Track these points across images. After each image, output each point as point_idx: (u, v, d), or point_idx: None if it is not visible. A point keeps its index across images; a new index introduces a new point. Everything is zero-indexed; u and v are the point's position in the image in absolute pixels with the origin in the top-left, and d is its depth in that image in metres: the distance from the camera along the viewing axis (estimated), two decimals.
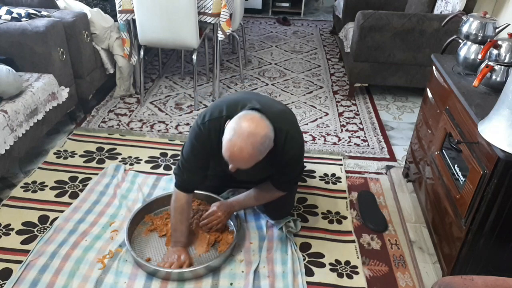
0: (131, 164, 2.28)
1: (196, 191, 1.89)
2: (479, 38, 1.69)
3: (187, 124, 2.73)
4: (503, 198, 1.27)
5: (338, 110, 2.96)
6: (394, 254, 1.77)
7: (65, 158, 2.30)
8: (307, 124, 2.77)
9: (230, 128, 1.39)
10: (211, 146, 1.56)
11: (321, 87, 3.31)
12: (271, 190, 1.72)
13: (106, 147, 2.42)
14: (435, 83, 1.84)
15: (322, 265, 1.70)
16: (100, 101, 2.97)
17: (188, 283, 1.59)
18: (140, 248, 1.73)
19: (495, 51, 1.51)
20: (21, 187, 2.07)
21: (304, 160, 2.30)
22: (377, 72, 2.94)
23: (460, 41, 1.77)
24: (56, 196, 2.02)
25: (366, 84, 3.11)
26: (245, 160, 1.38)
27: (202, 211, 1.83)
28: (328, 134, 2.66)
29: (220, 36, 2.77)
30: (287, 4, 5.29)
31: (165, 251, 1.71)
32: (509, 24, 1.77)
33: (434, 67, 1.87)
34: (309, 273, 1.66)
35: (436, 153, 1.71)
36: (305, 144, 2.49)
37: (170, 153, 2.38)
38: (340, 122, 2.81)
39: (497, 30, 1.71)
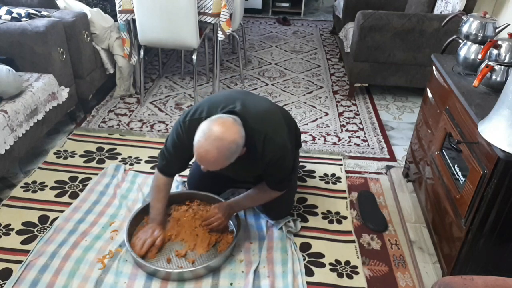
0: (131, 164, 2.28)
1: (196, 191, 1.91)
2: (479, 38, 1.68)
3: None
4: (503, 198, 1.27)
5: (338, 110, 2.97)
6: (394, 254, 1.77)
7: (65, 158, 2.30)
8: (307, 124, 2.77)
9: (200, 130, 1.42)
10: (190, 145, 1.57)
11: (321, 87, 3.31)
12: (268, 191, 1.72)
13: (106, 147, 2.42)
14: (435, 83, 1.84)
15: (322, 265, 1.70)
16: (100, 101, 2.97)
17: (188, 283, 1.59)
18: None
19: (495, 51, 1.51)
20: (21, 187, 2.07)
21: (304, 160, 2.33)
22: (377, 72, 2.94)
23: (460, 41, 1.77)
24: (56, 196, 2.02)
25: (366, 84, 3.11)
26: (210, 162, 1.41)
27: (202, 211, 1.83)
28: (328, 134, 2.66)
29: (220, 36, 2.77)
30: (287, 4, 5.29)
31: (165, 251, 1.71)
32: (509, 24, 1.76)
33: (434, 67, 1.87)
34: (309, 273, 1.66)
35: (436, 153, 1.71)
36: (305, 144, 2.51)
37: None
38: (340, 122, 2.81)
39: (497, 30, 1.71)
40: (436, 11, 2.99)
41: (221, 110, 1.53)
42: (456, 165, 1.53)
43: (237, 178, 1.94)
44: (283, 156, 1.60)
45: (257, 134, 1.52)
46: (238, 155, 1.48)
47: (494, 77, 1.50)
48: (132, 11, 2.68)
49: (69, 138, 2.49)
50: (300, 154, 2.33)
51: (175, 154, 1.66)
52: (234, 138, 1.41)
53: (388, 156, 2.44)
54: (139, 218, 1.83)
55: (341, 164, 2.32)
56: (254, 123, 1.51)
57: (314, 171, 2.26)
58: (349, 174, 2.27)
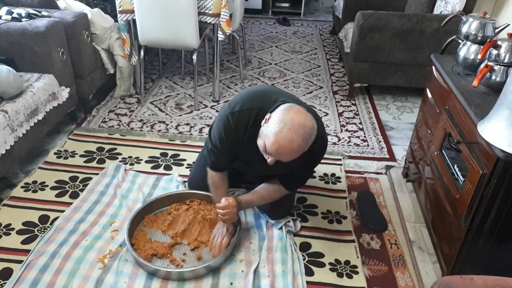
0: (132, 164, 2.28)
1: (196, 191, 1.91)
2: (479, 38, 1.69)
3: (187, 124, 2.73)
4: (502, 198, 1.28)
5: (338, 110, 2.97)
6: (393, 254, 1.77)
7: (66, 158, 2.31)
8: None
9: (278, 120, 1.38)
10: (237, 137, 1.57)
11: (321, 87, 3.32)
12: (278, 189, 1.72)
13: (107, 147, 2.42)
14: (435, 83, 1.84)
15: (322, 265, 1.70)
16: (101, 101, 2.98)
17: (188, 282, 1.59)
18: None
19: (494, 51, 1.51)
20: (22, 187, 2.07)
21: None
22: (377, 72, 2.94)
23: (460, 41, 1.77)
24: (57, 196, 2.02)
25: (366, 84, 3.11)
26: (294, 151, 1.38)
27: (203, 211, 1.83)
28: (328, 134, 2.66)
29: (220, 36, 2.77)
30: (287, 4, 5.30)
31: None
32: (508, 24, 1.77)
33: (433, 67, 1.87)
34: (309, 272, 1.67)
35: (435, 153, 1.71)
36: None
37: (170, 153, 2.39)
38: (340, 122, 2.81)
39: (496, 30, 1.71)
40: (436, 11, 2.99)
41: (274, 102, 1.50)
42: (455, 165, 1.53)
43: (261, 176, 1.85)
44: (324, 153, 1.63)
45: None
46: None
47: (493, 77, 1.50)
48: (132, 11, 2.69)
49: (69, 138, 2.49)
50: None
51: (222, 148, 1.63)
52: (313, 124, 1.40)
53: (387, 156, 2.45)
54: (140, 218, 1.83)
55: (340, 164, 2.32)
56: None
57: (314, 171, 2.26)
58: (349, 174, 2.27)
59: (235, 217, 1.71)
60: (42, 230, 1.82)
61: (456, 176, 1.51)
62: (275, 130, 1.37)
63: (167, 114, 2.85)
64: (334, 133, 2.68)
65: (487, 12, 1.75)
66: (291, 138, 1.35)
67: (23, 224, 1.84)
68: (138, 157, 2.34)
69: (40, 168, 2.21)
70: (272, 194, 1.75)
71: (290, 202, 1.93)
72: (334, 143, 2.56)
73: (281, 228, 1.83)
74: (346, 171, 2.29)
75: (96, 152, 2.37)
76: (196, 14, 2.62)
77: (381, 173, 2.29)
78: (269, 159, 1.44)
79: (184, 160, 2.32)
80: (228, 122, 1.55)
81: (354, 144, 2.56)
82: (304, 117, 1.39)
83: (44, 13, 2.44)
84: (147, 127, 2.68)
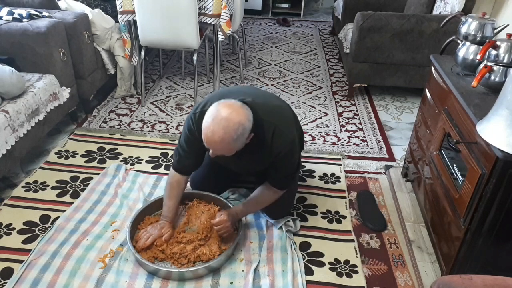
0: (132, 164, 2.29)
1: (196, 191, 1.91)
2: (478, 38, 1.69)
3: None
4: (501, 197, 1.28)
5: (337, 110, 2.98)
6: (393, 253, 1.78)
7: (66, 158, 2.31)
8: (306, 124, 2.78)
9: (209, 112, 1.44)
10: (200, 137, 1.58)
11: (321, 88, 3.32)
12: (270, 192, 1.73)
13: (107, 147, 2.43)
14: (434, 83, 1.85)
15: (322, 264, 1.71)
16: (101, 101, 2.98)
17: (188, 282, 1.60)
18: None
19: (493, 52, 1.52)
20: (23, 186, 2.07)
21: (304, 160, 2.34)
22: (376, 72, 2.95)
23: (459, 41, 1.78)
24: (57, 195, 2.03)
25: (365, 85, 3.12)
26: (217, 143, 1.42)
27: (204, 207, 1.83)
28: (327, 134, 2.67)
29: (221, 37, 2.78)
30: (287, 5, 5.30)
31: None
32: (507, 25, 1.77)
33: (433, 68, 1.88)
34: (309, 272, 1.67)
35: (435, 153, 1.72)
36: (304, 144, 2.51)
37: (170, 153, 2.39)
38: (340, 122, 2.82)
39: (495, 31, 1.72)
40: (435, 11, 3.00)
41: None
42: (454, 165, 1.54)
43: (242, 172, 1.91)
44: (291, 150, 1.62)
45: (266, 125, 1.53)
46: (246, 142, 1.48)
47: (492, 77, 1.51)
48: (133, 12, 2.69)
49: (70, 138, 2.50)
50: None
51: (188, 149, 1.67)
52: (240, 120, 1.41)
53: (387, 156, 2.45)
54: (140, 219, 1.83)
55: (340, 164, 2.33)
56: (264, 115, 1.52)
57: (313, 171, 2.27)
58: (348, 174, 2.28)
59: (231, 229, 1.73)
60: (43, 229, 1.82)
61: (455, 176, 1.51)
62: (204, 120, 1.44)
63: (167, 114, 2.86)
64: (334, 133, 2.68)
65: (486, 13, 1.76)
66: (213, 129, 1.40)
67: (24, 223, 1.85)
68: (139, 157, 2.35)
69: (41, 168, 2.22)
70: (266, 197, 1.75)
71: (290, 202, 1.93)
72: (334, 143, 2.57)
73: (281, 227, 1.84)
74: (346, 171, 2.30)
75: (97, 152, 2.37)
76: (197, 14, 2.63)
77: (380, 173, 2.30)
78: (210, 151, 1.48)
79: None
80: (191, 122, 1.62)
81: (354, 144, 2.57)
82: (231, 111, 1.41)
83: (45, 13, 2.45)
84: (148, 127, 2.69)
